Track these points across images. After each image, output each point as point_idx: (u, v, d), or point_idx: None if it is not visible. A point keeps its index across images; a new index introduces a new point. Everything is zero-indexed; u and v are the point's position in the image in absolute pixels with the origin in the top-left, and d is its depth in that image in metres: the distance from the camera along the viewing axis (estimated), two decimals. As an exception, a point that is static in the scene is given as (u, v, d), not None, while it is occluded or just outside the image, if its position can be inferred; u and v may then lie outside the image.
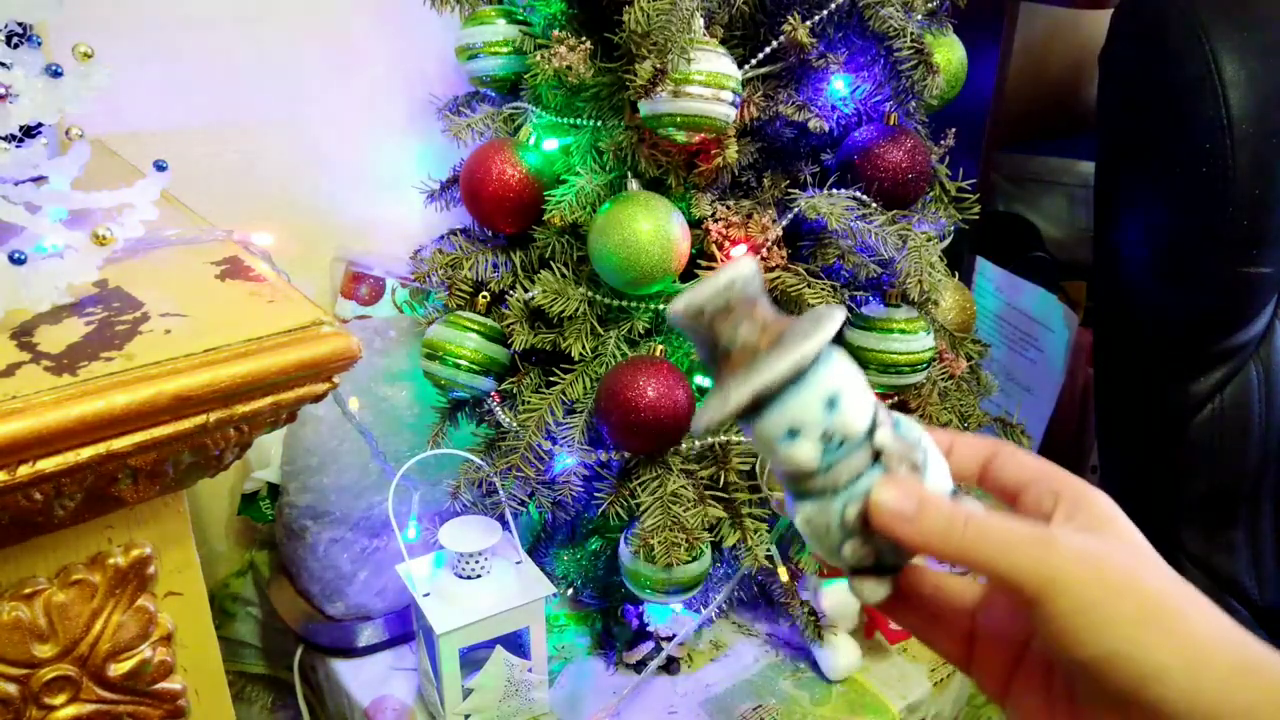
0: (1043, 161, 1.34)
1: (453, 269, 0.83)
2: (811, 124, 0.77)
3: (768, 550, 0.79)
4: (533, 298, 0.79)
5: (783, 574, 0.83)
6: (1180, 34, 0.89)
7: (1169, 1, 0.91)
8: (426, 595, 0.77)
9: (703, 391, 0.80)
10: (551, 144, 0.80)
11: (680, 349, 0.79)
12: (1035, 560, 0.34)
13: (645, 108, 0.71)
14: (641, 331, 0.79)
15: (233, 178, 0.97)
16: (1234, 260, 0.91)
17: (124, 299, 0.51)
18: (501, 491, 0.79)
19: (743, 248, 0.77)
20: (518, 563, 0.81)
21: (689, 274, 0.77)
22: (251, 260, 0.57)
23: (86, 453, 0.43)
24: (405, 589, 0.80)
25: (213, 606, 0.66)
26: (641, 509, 0.76)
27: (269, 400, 0.48)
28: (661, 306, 0.78)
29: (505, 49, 0.81)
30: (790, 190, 0.80)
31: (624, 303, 0.78)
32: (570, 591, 0.92)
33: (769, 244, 0.77)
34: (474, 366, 0.80)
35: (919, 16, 0.78)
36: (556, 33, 0.76)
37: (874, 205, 0.77)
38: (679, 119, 0.70)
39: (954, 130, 0.87)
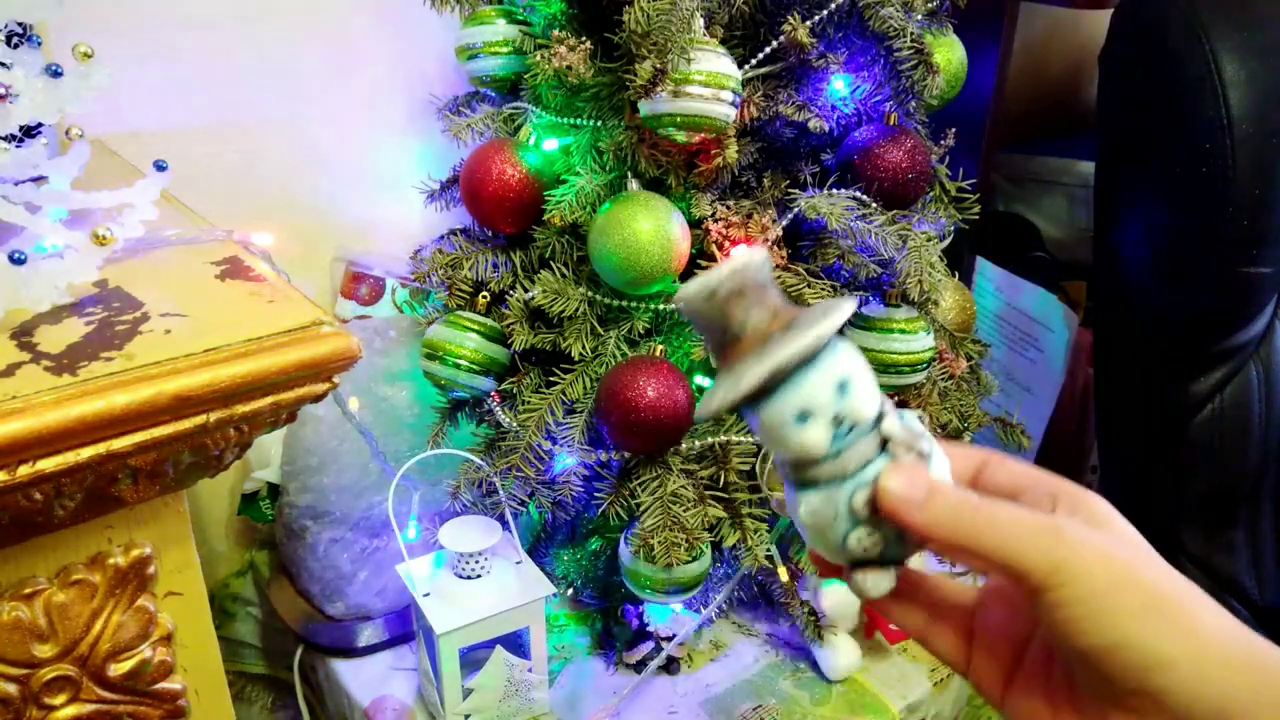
0: (1043, 161, 1.34)
1: (453, 269, 0.83)
2: (811, 124, 0.77)
3: (768, 550, 0.79)
4: (533, 298, 0.79)
5: (783, 574, 0.83)
6: (1180, 34, 0.89)
7: (1169, 1, 0.91)
8: (426, 595, 0.77)
9: (703, 391, 0.80)
10: (551, 144, 0.80)
11: (680, 349, 0.79)
12: (1043, 548, 0.34)
13: (645, 108, 0.71)
14: (641, 331, 0.79)
15: (233, 178, 0.97)
16: (1234, 260, 0.91)
17: (124, 299, 0.51)
18: (501, 491, 0.79)
19: (743, 248, 0.77)
20: (518, 563, 0.81)
21: (689, 274, 0.77)
22: (251, 260, 0.57)
23: (86, 453, 0.43)
24: (405, 589, 0.80)
25: (213, 606, 0.66)
26: (641, 509, 0.76)
27: (269, 400, 0.48)
28: (662, 306, 0.78)
29: (505, 49, 0.81)
30: (790, 190, 0.80)
31: (624, 303, 0.78)
32: (570, 591, 0.92)
33: (769, 244, 0.77)
34: (474, 366, 0.80)
35: (919, 16, 0.78)
36: (556, 33, 0.76)
37: (874, 205, 0.77)
38: (679, 119, 0.70)
39: (954, 130, 0.87)
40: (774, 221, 0.78)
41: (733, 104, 0.71)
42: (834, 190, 0.78)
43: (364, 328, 0.96)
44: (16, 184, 0.53)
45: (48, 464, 0.42)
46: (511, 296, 0.81)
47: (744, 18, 0.76)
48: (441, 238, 0.90)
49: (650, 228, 0.72)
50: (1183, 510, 1.01)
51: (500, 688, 0.79)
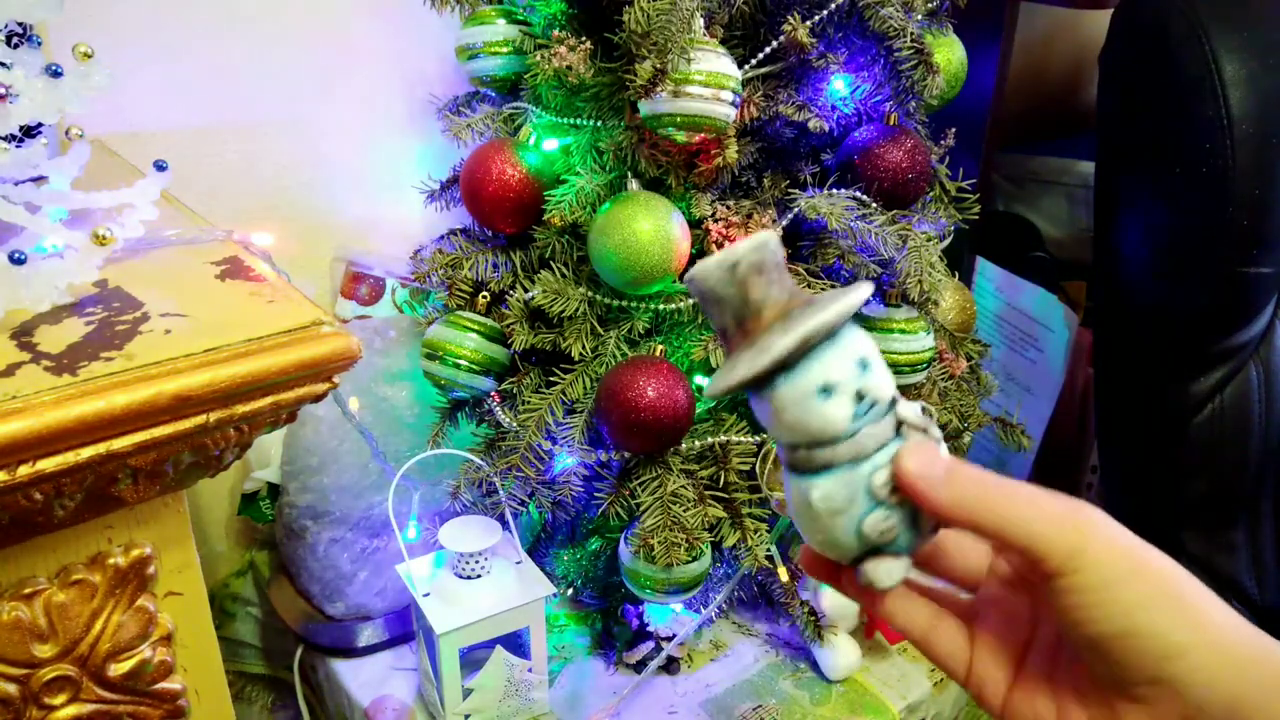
0: (1043, 161, 1.34)
1: (453, 269, 0.83)
2: (811, 124, 0.77)
3: (768, 550, 0.79)
4: (533, 298, 0.79)
5: (783, 574, 0.83)
6: (1180, 34, 0.89)
7: (1169, 1, 0.91)
8: (426, 595, 0.77)
9: (703, 391, 0.80)
10: (551, 144, 0.80)
11: (680, 349, 0.79)
12: (1063, 531, 0.34)
13: (645, 108, 0.71)
14: (641, 331, 0.79)
15: (233, 178, 0.97)
16: (1234, 260, 0.91)
17: (124, 299, 0.51)
18: (501, 491, 0.79)
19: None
20: (518, 563, 0.81)
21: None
22: (251, 260, 0.57)
23: (86, 453, 0.43)
24: (405, 589, 0.80)
25: (213, 606, 0.66)
26: (641, 509, 0.76)
27: (269, 400, 0.48)
28: (662, 306, 0.78)
29: (505, 49, 0.81)
30: (790, 190, 0.80)
31: (624, 303, 0.78)
32: (570, 591, 0.92)
33: (769, 244, 0.77)
34: (474, 366, 0.80)
35: (919, 16, 0.78)
36: (556, 33, 0.76)
37: (874, 205, 0.77)
38: (679, 119, 0.70)
39: (954, 130, 0.87)
40: (774, 221, 0.78)
41: (733, 104, 0.71)
42: (834, 190, 0.78)
43: (364, 328, 0.96)
44: (16, 184, 0.53)
45: (48, 464, 0.42)
46: (511, 296, 0.81)
47: (744, 18, 0.76)
48: (441, 238, 0.90)
49: (650, 228, 0.72)
50: (1183, 510, 1.01)
51: (500, 688, 0.79)
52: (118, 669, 0.50)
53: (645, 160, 0.76)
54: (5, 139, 0.51)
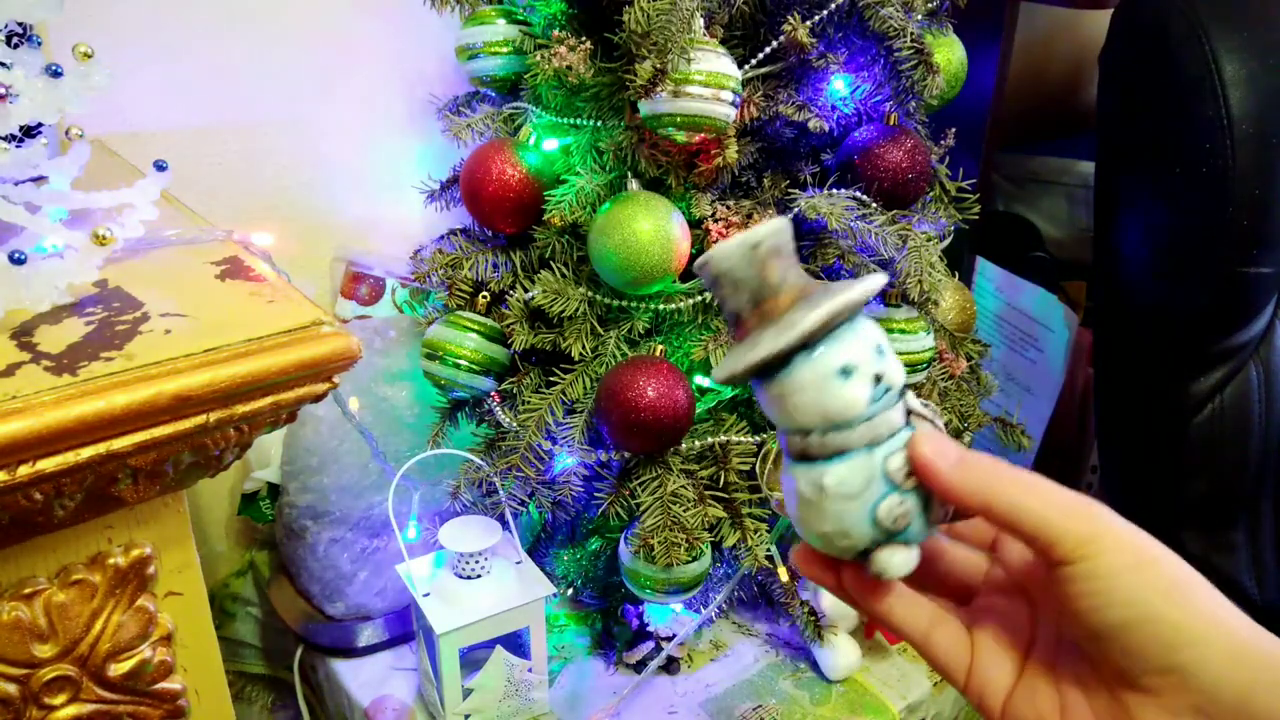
0: (1043, 161, 1.34)
1: (453, 269, 0.83)
2: (811, 124, 0.77)
3: (768, 550, 0.79)
4: (533, 298, 0.79)
5: (783, 574, 0.83)
6: (1180, 34, 0.89)
7: (1169, 1, 0.91)
8: (426, 595, 0.77)
9: (703, 391, 0.80)
10: (551, 144, 0.80)
11: (680, 349, 0.79)
12: (1076, 518, 0.34)
13: (645, 108, 0.71)
14: (641, 331, 0.79)
15: (233, 178, 0.97)
16: (1234, 260, 0.91)
17: (124, 299, 0.51)
18: (501, 491, 0.79)
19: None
20: (518, 563, 0.81)
21: (689, 274, 0.77)
22: (251, 260, 0.57)
23: (86, 453, 0.43)
24: (405, 589, 0.80)
25: (213, 606, 0.66)
26: (641, 509, 0.76)
27: (269, 400, 0.48)
28: (662, 306, 0.78)
29: (505, 49, 0.81)
30: (790, 190, 0.80)
31: (624, 303, 0.78)
32: (570, 591, 0.92)
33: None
34: (474, 366, 0.80)
35: (919, 16, 0.78)
36: (556, 33, 0.76)
37: (874, 205, 0.77)
38: (679, 119, 0.70)
39: (954, 130, 0.87)
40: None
41: (733, 104, 0.71)
42: (834, 190, 0.78)
43: (364, 328, 0.96)
44: (16, 184, 0.53)
45: (48, 464, 0.42)
46: (511, 296, 0.81)
47: (744, 18, 0.76)
48: (441, 238, 0.90)
49: (650, 228, 0.72)
50: (1183, 510, 1.01)
51: (500, 688, 0.79)
52: (118, 669, 0.50)
53: (645, 160, 0.76)
54: (5, 139, 0.51)
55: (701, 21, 0.72)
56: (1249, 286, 0.93)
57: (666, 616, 0.88)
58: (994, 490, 0.35)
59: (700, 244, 0.78)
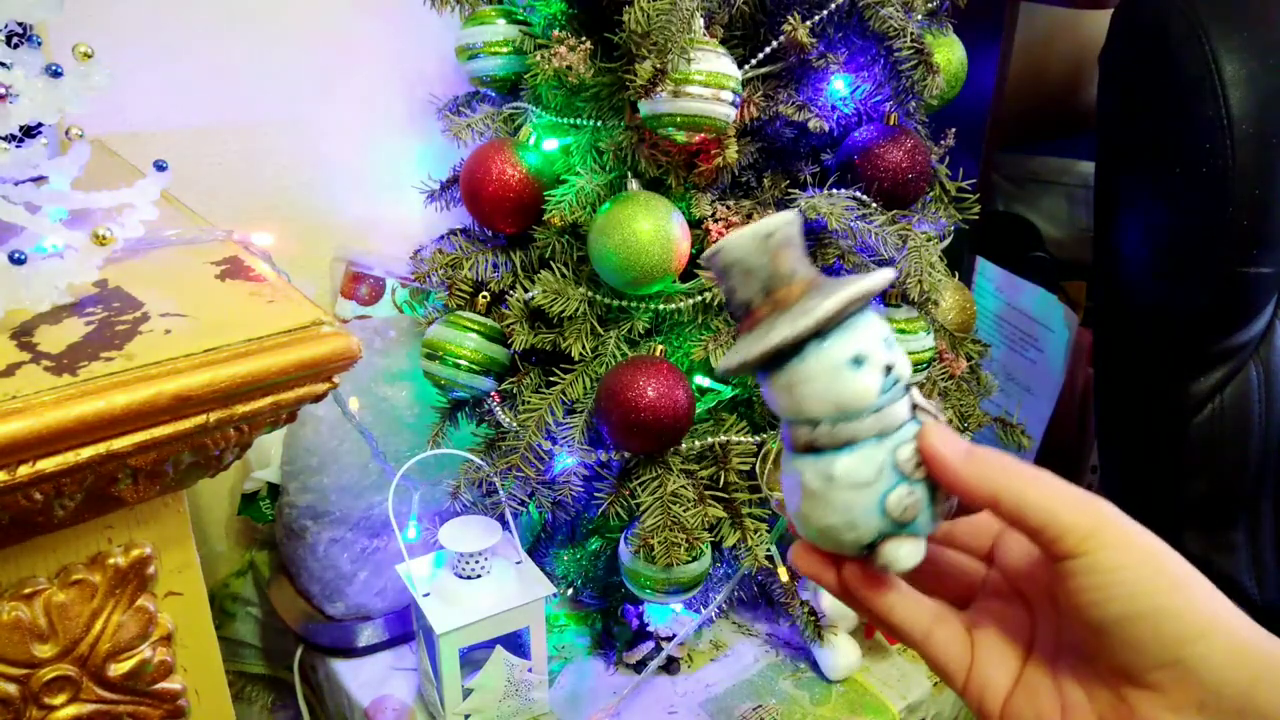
0: (1043, 161, 1.34)
1: (453, 269, 0.83)
2: (811, 124, 0.77)
3: (768, 550, 0.79)
4: (533, 298, 0.79)
5: (783, 574, 0.83)
6: (1180, 34, 0.89)
7: (1169, 1, 0.91)
8: (426, 595, 0.77)
9: (703, 391, 0.80)
10: (551, 144, 0.80)
11: (680, 349, 0.79)
12: (1083, 512, 0.34)
13: (645, 108, 0.71)
14: (641, 331, 0.79)
15: (233, 178, 0.97)
16: (1234, 260, 0.91)
17: (124, 299, 0.51)
18: (501, 491, 0.79)
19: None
20: (518, 563, 0.81)
21: (689, 274, 0.77)
22: (251, 260, 0.57)
23: (86, 453, 0.43)
24: (405, 589, 0.80)
25: (213, 606, 0.66)
26: (641, 509, 0.76)
27: (269, 400, 0.48)
28: (662, 306, 0.78)
29: (505, 49, 0.81)
30: (790, 190, 0.80)
31: (624, 303, 0.78)
32: (570, 591, 0.92)
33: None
34: (474, 366, 0.80)
35: (919, 16, 0.78)
36: (556, 33, 0.76)
37: (874, 205, 0.77)
38: (679, 119, 0.70)
39: (954, 130, 0.87)
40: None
41: (733, 104, 0.71)
42: (834, 190, 0.78)
43: (364, 328, 0.96)
44: (16, 184, 0.53)
45: (48, 464, 0.42)
46: (511, 296, 0.81)
47: (744, 18, 0.76)
48: (441, 238, 0.90)
49: (650, 228, 0.72)
50: (1183, 510, 1.01)
51: (500, 688, 0.79)
52: (118, 669, 0.50)
53: (645, 160, 0.76)
54: (5, 139, 0.51)
55: (701, 21, 0.72)
56: (1249, 286, 0.93)
57: (666, 616, 0.88)
58: (1002, 483, 0.35)
59: (700, 244, 0.78)
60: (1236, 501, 1.00)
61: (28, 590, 0.47)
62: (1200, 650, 0.32)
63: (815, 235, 0.81)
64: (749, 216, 0.77)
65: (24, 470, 0.41)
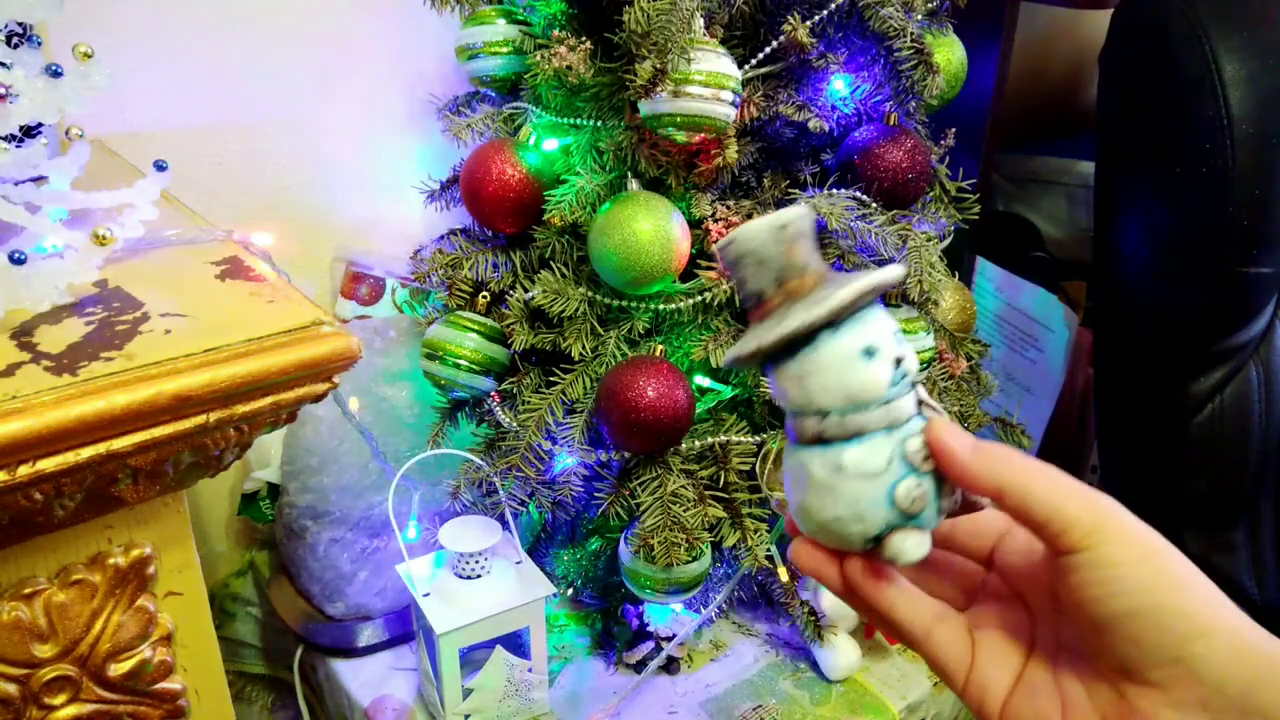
0: (1043, 161, 1.34)
1: (453, 269, 0.83)
2: (811, 124, 0.77)
3: (768, 550, 0.79)
4: (533, 298, 0.79)
5: (783, 574, 0.83)
6: (1180, 34, 0.89)
7: (1169, 1, 0.91)
8: (426, 595, 0.77)
9: (703, 391, 0.80)
10: (551, 144, 0.80)
11: (680, 349, 0.79)
12: (1088, 505, 0.34)
13: (645, 108, 0.71)
14: (641, 331, 0.79)
15: (233, 178, 0.97)
16: (1234, 260, 0.91)
17: (124, 299, 0.51)
18: (501, 491, 0.79)
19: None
20: (518, 563, 0.81)
21: (689, 274, 0.77)
22: (251, 260, 0.57)
23: (86, 453, 0.43)
24: (405, 589, 0.80)
25: (213, 606, 0.66)
26: (641, 509, 0.76)
27: (269, 400, 0.48)
28: (662, 306, 0.78)
29: (505, 49, 0.81)
30: (790, 190, 0.80)
31: (624, 303, 0.78)
32: (570, 591, 0.92)
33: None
34: (474, 366, 0.80)
35: (919, 16, 0.78)
36: (556, 33, 0.76)
37: (874, 205, 0.77)
38: (679, 119, 0.70)
39: (954, 130, 0.87)
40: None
41: (733, 104, 0.71)
42: (834, 190, 0.78)
43: (364, 328, 0.96)
44: (16, 184, 0.53)
45: (48, 464, 0.42)
46: (511, 296, 0.81)
47: (744, 18, 0.76)
48: (441, 238, 0.90)
49: (650, 228, 0.72)
50: (1183, 510, 1.01)
51: (500, 688, 0.79)
52: (118, 669, 0.50)
53: (645, 160, 0.76)
54: (5, 139, 0.51)
55: (701, 21, 0.72)
56: (1249, 286, 0.93)
57: (666, 616, 0.88)
58: (1008, 476, 0.35)
59: (700, 244, 0.78)
60: (1236, 501, 1.00)
61: (28, 590, 0.47)
62: (1203, 648, 0.32)
63: (815, 235, 0.81)
64: (749, 216, 0.77)
65: (24, 470, 0.41)
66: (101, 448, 0.43)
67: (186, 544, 0.52)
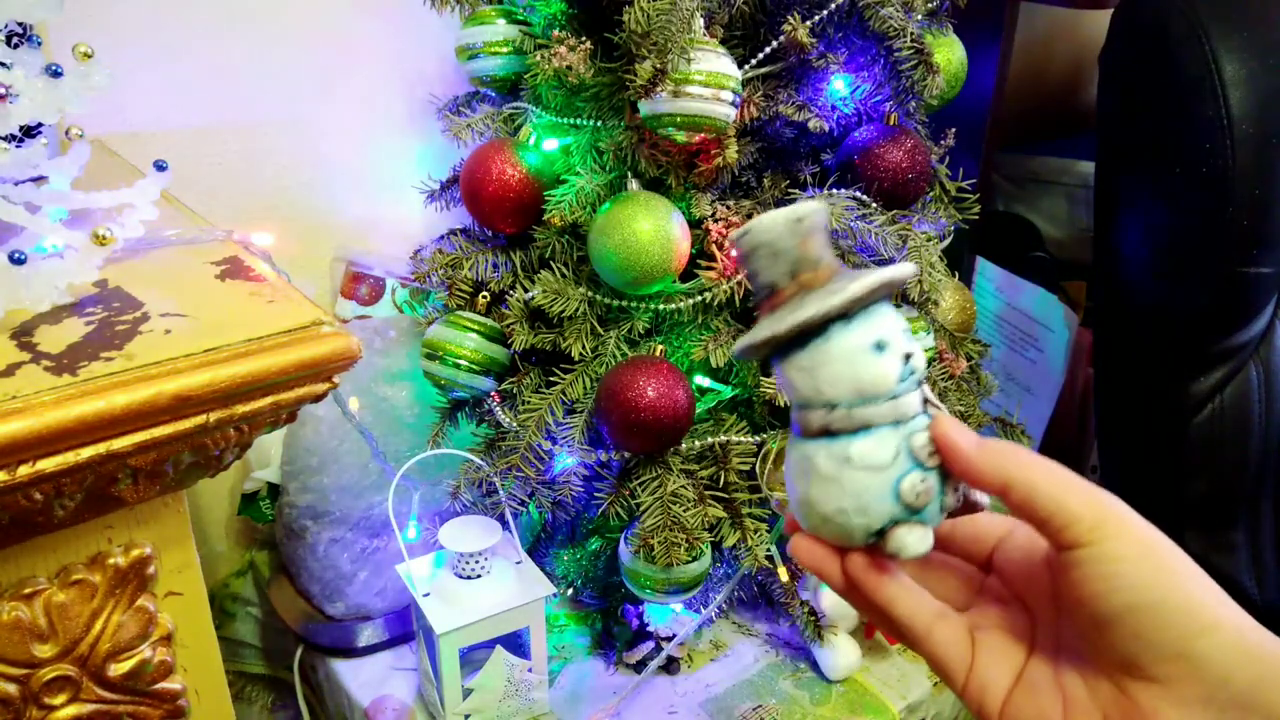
0: (1043, 161, 1.34)
1: (453, 269, 0.83)
2: (811, 124, 0.77)
3: (768, 550, 0.79)
4: (533, 298, 0.79)
5: (783, 574, 0.83)
6: (1180, 34, 0.89)
7: (1169, 1, 0.91)
8: (426, 595, 0.77)
9: (703, 391, 0.80)
10: (551, 144, 0.80)
11: (680, 349, 0.79)
12: (1092, 501, 0.34)
13: (645, 108, 0.71)
14: (641, 331, 0.79)
15: (233, 178, 0.97)
16: (1234, 260, 0.91)
17: (124, 299, 0.51)
18: (501, 491, 0.79)
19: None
20: (518, 563, 0.81)
21: (689, 274, 0.77)
22: (251, 260, 0.57)
23: (86, 453, 0.43)
24: (405, 589, 0.80)
25: (213, 606, 0.66)
26: (641, 509, 0.76)
27: (269, 400, 0.48)
28: (662, 306, 0.78)
29: (505, 49, 0.82)
30: (790, 190, 0.80)
31: (624, 303, 0.78)
32: (570, 591, 0.92)
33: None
34: (474, 366, 0.80)
35: (919, 16, 0.78)
36: (556, 33, 0.76)
37: (874, 205, 0.77)
38: (679, 119, 0.70)
39: (954, 130, 0.87)
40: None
41: (733, 104, 0.71)
42: (834, 190, 0.78)
43: (364, 328, 0.96)
44: (16, 184, 0.53)
45: (48, 464, 0.42)
46: (511, 296, 0.81)
47: (744, 18, 0.76)
48: (441, 238, 0.90)
49: (650, 228, 0.72)
50: (1183, 510, 1.01)
51: (500, 688, 0.79)
52: (118, 669, 0.50)
53: (645, 160, 0.76)
54: (5, 139, 0.51)
55: (701, 21, 0.72)
56: (1249, 286, 0.93)
57: (666, 616, 0.88)
58: (1013, 471, 0.36)
59: (700, 244, 0.78)
60: (1236, 501, 1.00)
61: (28, 590, 0.47)
62: (1206, 645, 0.32)
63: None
64: (749, 216, 0.77)
65: (24, 470, 0.41)
66: (101, 448, 0.43)
67: (186, 544, 0.52)
